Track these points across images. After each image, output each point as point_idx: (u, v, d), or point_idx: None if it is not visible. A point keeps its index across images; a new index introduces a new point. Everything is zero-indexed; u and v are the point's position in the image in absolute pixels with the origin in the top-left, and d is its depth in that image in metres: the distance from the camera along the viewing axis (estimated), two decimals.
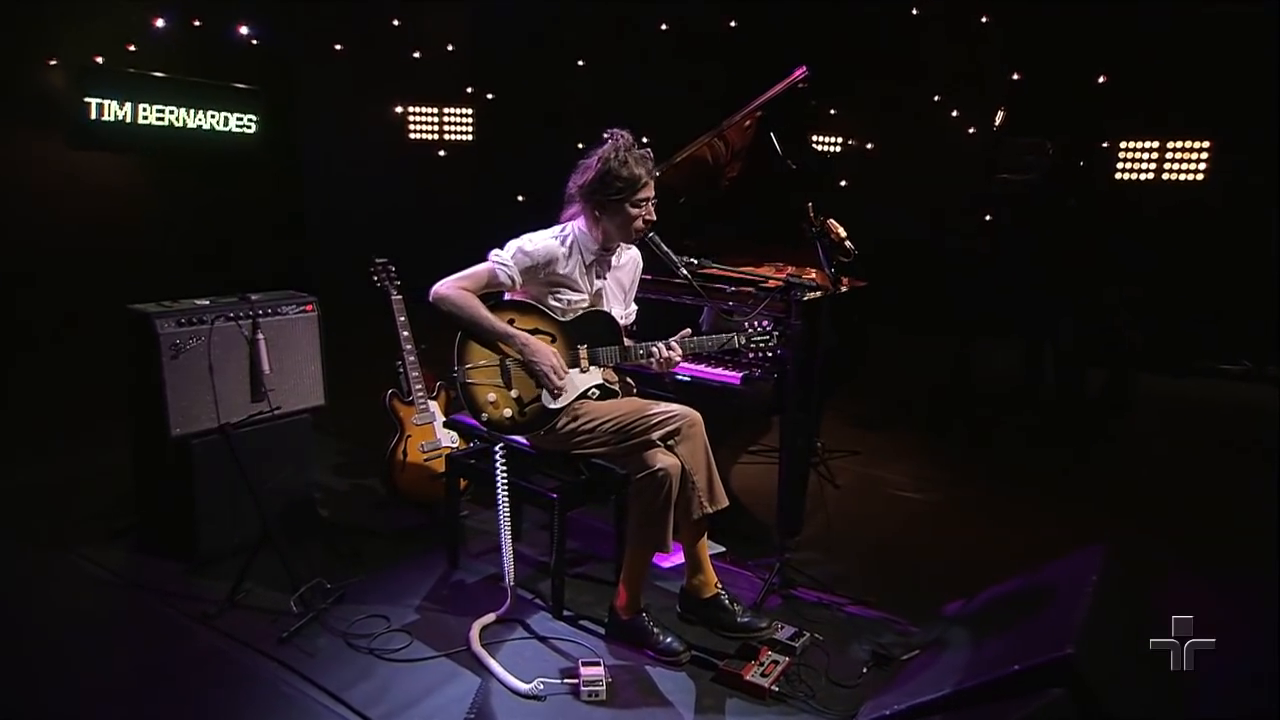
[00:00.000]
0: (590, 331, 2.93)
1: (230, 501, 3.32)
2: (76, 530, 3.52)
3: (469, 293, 2.83)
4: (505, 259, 2.86)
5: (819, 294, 3.28)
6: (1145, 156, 6.60)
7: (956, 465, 4.77)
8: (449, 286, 2.83)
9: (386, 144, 8.03)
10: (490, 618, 2.99)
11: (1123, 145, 6.70)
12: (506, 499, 2.93)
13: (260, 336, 3.38)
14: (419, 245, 3.78)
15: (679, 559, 3.41)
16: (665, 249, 2.94)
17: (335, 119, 7.58)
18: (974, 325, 6.26)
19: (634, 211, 2.85)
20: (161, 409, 3.20)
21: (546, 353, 2.84)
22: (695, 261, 2.95)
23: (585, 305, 2.97)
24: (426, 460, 3.69)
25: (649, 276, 3.39)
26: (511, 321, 2.86)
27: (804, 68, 3.74)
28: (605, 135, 2.87)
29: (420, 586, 3.22)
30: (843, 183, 7.32)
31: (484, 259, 2.89)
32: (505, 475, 2.93)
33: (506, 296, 2.96)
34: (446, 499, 3.37)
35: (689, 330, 2.93)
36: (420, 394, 3.72)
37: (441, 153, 8.18)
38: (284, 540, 3.12)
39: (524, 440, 2.99)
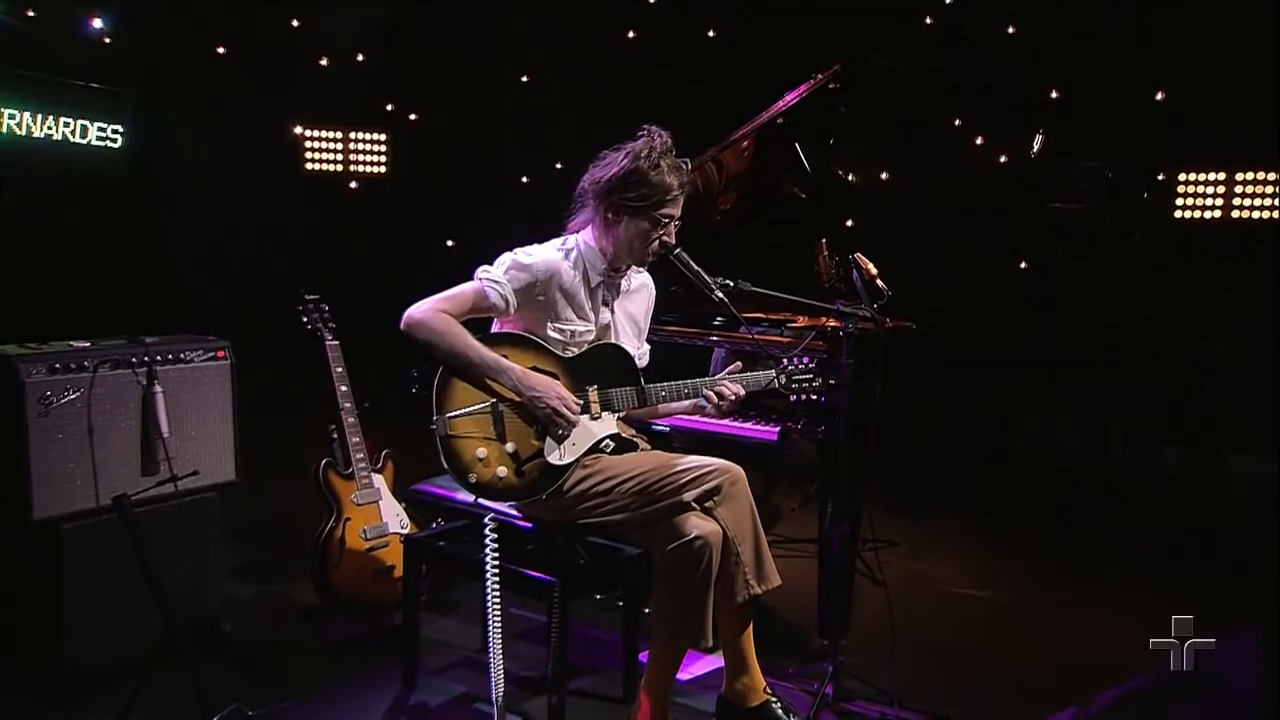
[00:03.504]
0: (600, 369, 2.94)
1: (108, 605, 3.20)
2: None
3: (451, 317, 2.82)
4: (497, 275, 2.87)
5: (871, 326, 3.34)
6: (1210, 190, 6.94)
7: (1017, 556, 4.89)
8: (426, 310, 2.82)
9: (278, 173, 8.03)
10: None
11: (1183, 178, 7.04)
12: (498, 590, 2.87)
13: (157, 390, 3.32)
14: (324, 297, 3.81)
15: (706, 667, 3.38)
16: (696, 268, 2.99)
17: (213, 138, 7.57)
18: (1017, 392, 6.43)
19: (653, 230, 2.91)
20: (22, 483, 3.08)
21: (550, 386, 2.83)
22: (732, 284, 3.00)
23: (592, 338, 2.98)
24: (370, 550, 3.61)
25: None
26: (504, 357, 2.85)
27: (836, 65, 3.90)
28: (640, 131, 2.94)
29: (370, 712, 3.13)
30: (849, 222, 7.52)
31: (470, 278, 2.90)
32: (496, 558, 2.87)
33: (495, 327, 2.96)
34: (404, 596, 3.29)
35: (739, 364, 2.96)
36: (362, 465, 3.66)
37: (353, 184, 8.21)
38: (195, 652, 3.00)
39: (514, 512, 2.95)
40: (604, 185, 2.90)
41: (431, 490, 3.21)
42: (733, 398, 2.94)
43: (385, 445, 3.81)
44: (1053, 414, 6.49)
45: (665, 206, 2.90)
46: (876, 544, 4.23)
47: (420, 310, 2.83)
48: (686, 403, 3.05)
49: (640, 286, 3.18)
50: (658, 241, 2.93)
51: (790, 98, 3.88)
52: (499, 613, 2.90)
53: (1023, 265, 7.22)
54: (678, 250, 2.98)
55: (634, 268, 3.10)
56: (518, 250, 2.94)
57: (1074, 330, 6.38)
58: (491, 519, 2.89)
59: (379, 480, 3.71)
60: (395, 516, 3.69)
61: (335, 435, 3.67)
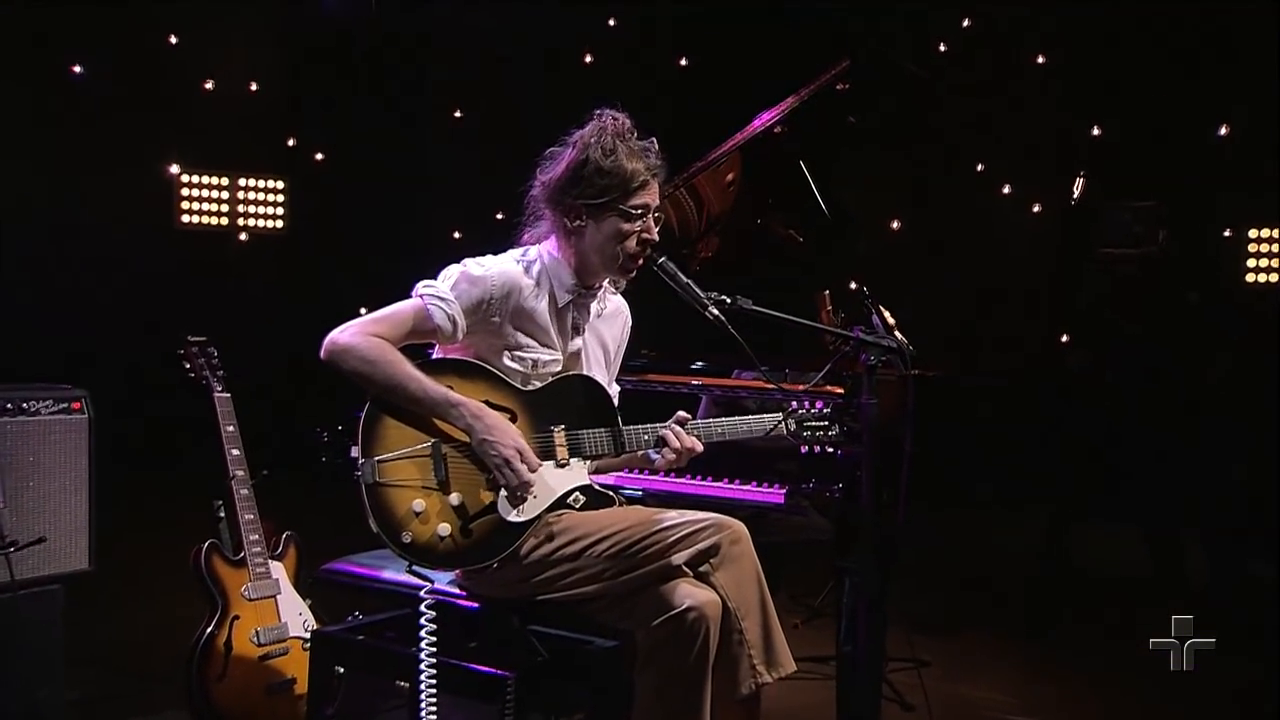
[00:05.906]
0: (568, 406, 2.91)
1: None
2: None
3: (386, 342, 2.80)
4: (442, 291, 2.85)
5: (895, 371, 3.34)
6: None
7: (1073, 678, 4.95)
8: (353, 333, 2.80)
9: (145, 224, 8.04)
10: None
11: (1254, 234, 7.26)
12: (434, 694, 2.78)
13: None
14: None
15: None
16: (685, 280, 2.98)
17: (62, 173, 7.62)
18: (1064, 486, 6.46)
19: (626, 226, 2.91)
20: None
21: (508, 431, 2.79)
22: (729, 300, 2.99)
23: (558, 369, 2.96)
24: (264, 658, 3.54)
25: None
26: (450, 389, 2.82)
27: (845, 60, 3.99)
28: (590, 116, 2.97)
29: None
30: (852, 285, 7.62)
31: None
32: (434, 649, 2.78)
33: (438, 354, 2.93)
34: (307, 716, 3.22)
35: (684, 413, 2.94)
36: (256, 550, 3.61)
37: (243, 236, 8.22)
38: None
39: (455, 589, 2.88)
40: (554, 187, 2.92)
41: (348, 569, 3.13)
42: (682, 450, 2.90)
43: (286, 526, 3.77)
44: (1113, 517, 6.53)
45: (634, 196, 2.90)
46: (919, 663, 4.27)
47: (346, 334, 2.80)
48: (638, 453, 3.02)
49: (615, 312, 3.18)
50: (635, 239, 2.92)
51: (787, 104, 3.95)
52: None
53: (1064, 339, 7.36)
54: (662, 260, 2.98)
55: (608, 288, 3.10)
56: (467, 261, 2.92)
57: (1131, 411, 6.44)
58: (428, 593, 2.81)
59: (278, 569, 3.67)
60: (297, 616, 3.64)
61: (222, 511, 3.63)
